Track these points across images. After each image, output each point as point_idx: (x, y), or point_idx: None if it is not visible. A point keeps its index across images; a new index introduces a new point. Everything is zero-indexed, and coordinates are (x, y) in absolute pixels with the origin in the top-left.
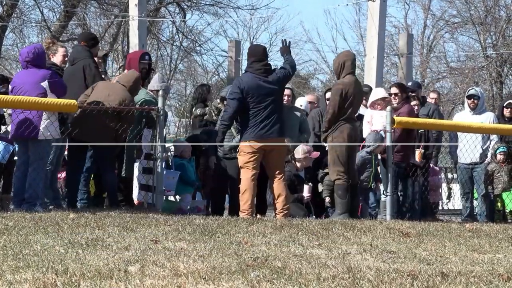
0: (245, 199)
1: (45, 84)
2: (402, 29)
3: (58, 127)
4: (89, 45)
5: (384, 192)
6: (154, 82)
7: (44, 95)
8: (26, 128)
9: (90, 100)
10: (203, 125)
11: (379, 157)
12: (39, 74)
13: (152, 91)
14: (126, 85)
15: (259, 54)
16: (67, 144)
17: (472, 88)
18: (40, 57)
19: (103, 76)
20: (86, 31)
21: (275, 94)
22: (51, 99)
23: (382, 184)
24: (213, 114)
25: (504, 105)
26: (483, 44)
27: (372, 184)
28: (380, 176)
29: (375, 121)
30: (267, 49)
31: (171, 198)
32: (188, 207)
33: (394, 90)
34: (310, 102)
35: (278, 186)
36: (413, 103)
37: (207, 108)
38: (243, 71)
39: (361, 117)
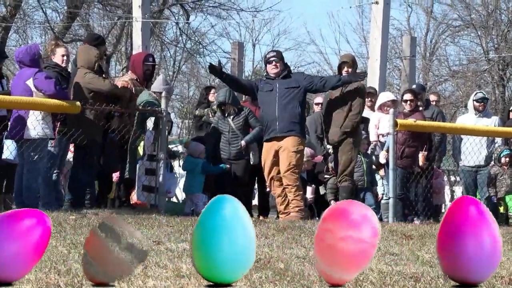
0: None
1: (29, 82)
2: (405, 32)
3: (50, 126)
4: (92, 45)
5: (386, 194)
6: (158, 84)
7: (30, 93)
8: (18, 128)
9: None
10: (199, 126)
11: (383, 159)
12: (26, 73)
13: (155, 92)
14: (83, 65)
15: None
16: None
17: (480, 92)
18: (32, 56)
19: (104, 76)
20: (91, 32)
21: None
22: (53, 100)
23: (377, 186)
24: (210, 115)
25: (511, 108)
26: (485, 48)
27: (369, 184)
28: (384, 178)
29: (382, 124)
30: (270, 51)
31: (174, 199)
32: (192, 209)
33: (408, 96)
34: (319, 104)
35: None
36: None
37: (206, 110)
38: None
39: (365, 120)
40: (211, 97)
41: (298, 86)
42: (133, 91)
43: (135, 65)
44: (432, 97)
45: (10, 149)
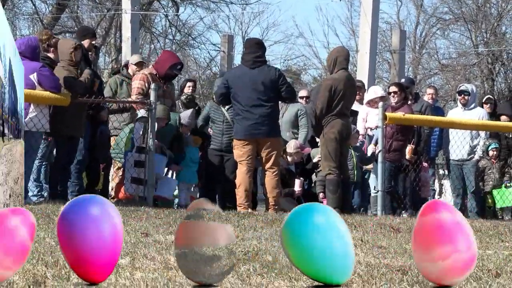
0: (241, 193)
1: (33, 76)
2: (395, 25)
3: (47, 120)
4: (78, 36)
5: (375, 188)
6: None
7: (33, 87)
8: None
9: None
10: None
11: (372, 151)
12: (29, 67)
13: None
14: (62, 59)
15: (250, 45)
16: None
17: (463, 85)
18: (33, 49)
19: (92, 67)
20: (83, 25)
21: (262, 88)
22: (42, 92)
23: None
24: (180, 107)
25: (484, 100)
26: (474, 41)
27: (359, 179)
28: (372, 171)
29: (370, 118)
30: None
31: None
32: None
33: (393, 88)
34: (303, 97)
35: (270, 181)
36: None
37: (176, 101)
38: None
39: (354, 113)
40: (186, 90)
41: None
42: (150, 84)
43: (162, 64)
44: (429, 91)
45: None
